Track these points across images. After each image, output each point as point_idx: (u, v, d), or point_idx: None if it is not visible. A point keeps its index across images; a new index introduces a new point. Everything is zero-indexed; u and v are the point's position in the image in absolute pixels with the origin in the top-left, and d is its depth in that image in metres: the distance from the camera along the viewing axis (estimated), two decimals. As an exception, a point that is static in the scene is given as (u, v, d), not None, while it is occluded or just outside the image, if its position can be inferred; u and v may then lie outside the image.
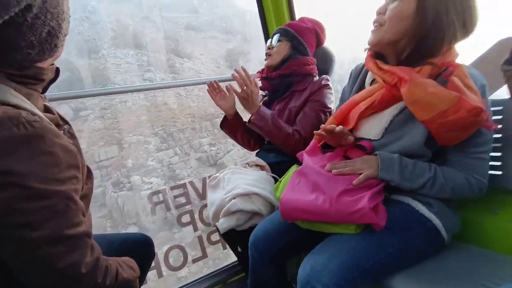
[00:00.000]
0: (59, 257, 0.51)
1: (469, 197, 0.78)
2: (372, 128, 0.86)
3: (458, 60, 0.79)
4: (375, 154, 0.81)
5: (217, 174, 1.21)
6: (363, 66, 0.97)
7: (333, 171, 0.79)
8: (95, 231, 0.66)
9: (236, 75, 1.16)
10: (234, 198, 1.01)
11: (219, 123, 1.38)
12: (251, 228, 0.99)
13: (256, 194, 1.02)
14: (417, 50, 0.79)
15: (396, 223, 0.75)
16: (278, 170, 1.21)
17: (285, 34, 1.30)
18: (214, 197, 1.12)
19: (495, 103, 0.88)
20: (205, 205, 1.46)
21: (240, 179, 1.09)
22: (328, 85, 1.26)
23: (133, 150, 12.28)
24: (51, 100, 1.07)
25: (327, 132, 0.83)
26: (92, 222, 0.72)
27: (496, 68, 0.81)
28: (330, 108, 1.23)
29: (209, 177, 1.50)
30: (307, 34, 1.33)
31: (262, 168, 1.21)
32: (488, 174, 0.78)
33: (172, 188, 1.53)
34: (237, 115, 1.33)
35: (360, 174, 0.76)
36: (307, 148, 0.95)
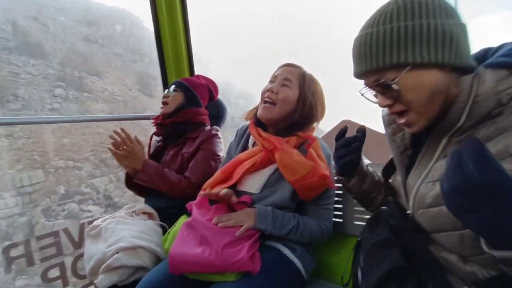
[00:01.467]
0: None
1: (320, 240, 1.00)
2: (253, 184, 1.03)
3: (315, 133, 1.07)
4: (254, 207, 0.96)
5: (99, 222, 1.13)
6: (247, 128, 1.15)
7: (219, 224, 0.90)
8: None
9: (116, 136, 1.16)
10: (118, 253, 0.96)
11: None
12: (135, 282, 0.95)
13: (142, 247, 1.00)
14: (292, 126, 1.03)
15: (268, 267, 0.89)
16: (168, 215, 1.23)
17: (180, 86, 1.40)
18: (93, 250, 1.03)
19: None
20: (81, 255, 1.32)
21: (125, 230, 1.04)
22: (217, 134, 1.38)
23: (62, 175, 10.68)
24: None
25: (213, 195, 0.96)
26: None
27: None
28: (220, 156, 1.34)
29: (88, 223, 1.37)
30: (201, 89, 1.46)
31: (150, 216, 1.19)
32: (332, 221, 1.03)
33: (39, 238, 1.33)
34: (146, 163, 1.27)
35: (242, 226, 0.90)
36: (196, 201, 1.02)
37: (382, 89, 0.57)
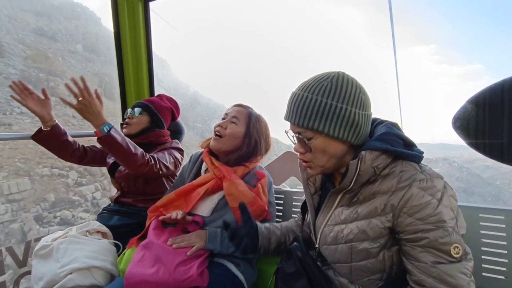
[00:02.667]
0: None
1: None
2: (205, 208, 1.16)
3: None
4: (205, 229, 1.08)
5: (49, 241, 1.12)
6: (201, 154, 1.29)
7: (173, 245, 1.00)
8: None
9: (72, 85, 1.07)
10: (71, 273, 0.98)
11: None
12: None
13: (96, 267, 1.03)
14: (240, 158, 1.18)
15: (215, 282, 1.00)
16: (122, 233, 1.28)
17: (147, 109, 1.46)
18: (43, 270, 1.04)
19: (279, 191, 1.37)
20: (25, 274, 1.31)
21: (78, 250, 1.06)
22: (178, 146, 1.47)
23: (48, 183, 10.37)
24: None
25: (168, 219, 1.06)
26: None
27: (287, 166, 1.31)
28: (180, 160, 1.41)
29: (35, 240, 1.34)
30: (165, 112, 1.52)
31: (104, 235, 1.22)
32: None
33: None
34: (56, 126, 1.26)
35: (193, 246, 1.01)
36: (152, 224, 1.11)
37: (300, 141, 0.74)
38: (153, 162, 1.22)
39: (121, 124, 1.61)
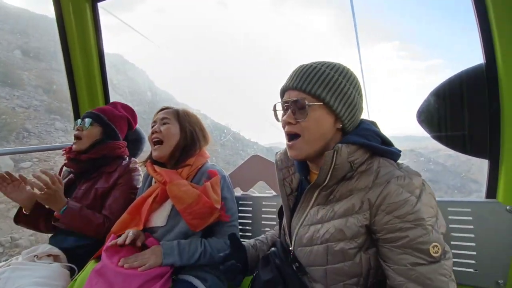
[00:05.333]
0: None
1: None
2: (158, 218, 1.09)
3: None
4: (160, 243, 1.00)
5: None
6: None
7: (125, 265, 0.90)
8: None
9: (34, 180, 1.08)
10: None
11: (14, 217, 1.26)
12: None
13: None
14: (182, 156, 1.14)
15: None
16: (77, 255, 1.16)
17: (98, 119, 1.32)
18: None
19: (248, 198, 1.31)
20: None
21: (25, 277, 0.95)
22: (136, 168, 1.35)
23: None
24: None
25: (121, 243, 0.97)
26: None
27: (255, 171, 1.25)
28: (138, 170, 1.34)
29: None
30: (120, 122, 1.40)
31: (55, 258, 1.10)
32: (239, 235, 1.13)
33: None
34: (36, 207, 1.22)
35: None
36: (105, 246, 1.01)
37: (295, 107, 0.70)
38: (108, 223, 1.19)
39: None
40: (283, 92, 0.75)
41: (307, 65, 0.71)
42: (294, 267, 0.77)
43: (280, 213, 0.93)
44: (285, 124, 0.73)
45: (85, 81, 1.63)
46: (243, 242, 0.93)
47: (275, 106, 0.75)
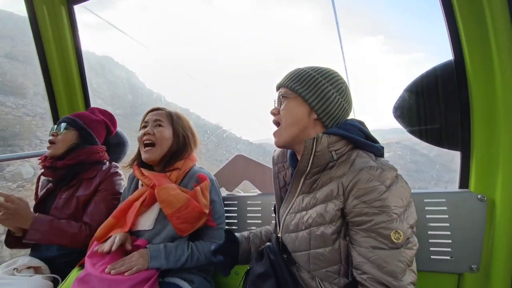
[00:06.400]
0: None
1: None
2: (146, 221, 1.08)
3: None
4: (147, 247, 0.99)
5: None
6: None
7: (112, 271, 0.89)
8: None
9: None
10: None
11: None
12: None
13: None
14: (172, 159, 1.13)
15: None
16: (61, 264, 1.14)
17: (73, 124, 1.30)
18: None
19: (233, 197, 1.33)
20: None
21: None
22: (117, 172, 1.33)
23: None
24: None
25: (107, 250, 0.96)
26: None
27: (239, 170, 1.26)
28: (120, 175, 1.32)
29: None
30: (97, 126, 1.37)
31: (37, 270, 1.08)
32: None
33: None
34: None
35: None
36: (88, 252, 0.99)
37: (281, 99, 0.81)
38: (88, 230, 1.17)
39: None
40: (277, 88, 0.85)
41: (300, 68, 0.81)
42: (283, 258, 0.80)
43: (275, 208, 0.95)
44: (272, 115, 0.83)
45: (64, 86, 1.59)
46: (236, 234, 0.98)
47: (274, 101, 0.85)
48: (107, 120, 1.44)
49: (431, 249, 1.00)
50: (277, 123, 0.82)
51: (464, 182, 1.05)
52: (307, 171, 0.74)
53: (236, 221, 1.29)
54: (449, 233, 0.99)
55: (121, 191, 1.29)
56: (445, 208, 1.01)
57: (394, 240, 0.62)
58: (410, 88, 1.12)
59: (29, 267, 1.07)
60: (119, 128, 1.57)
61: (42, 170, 1.28)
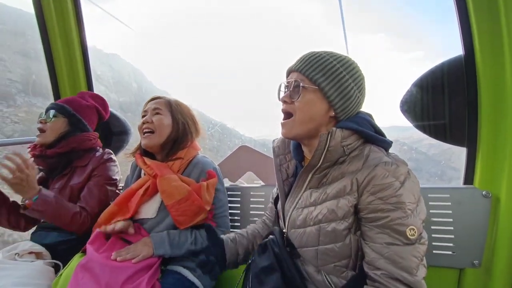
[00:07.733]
0: None
1: None
2: (149, 209, 1.08)
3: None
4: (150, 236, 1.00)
5: None
6: None
7: (118, 258, 0.90)
8: None
9: (7, 162, 0.99)
10: None
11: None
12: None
13: None
14: (173, 147, 1.13)
15: None
16: (61, 251, 1.14)
17: (61, 110, 1.25)
18: None
19: (236, 188, 1.32)
20: None
21: (5, 277, 0.91)
22: (111, 158, 1.29)
23: None
24: None
25: (109, 231, 0.97)
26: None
27: (243, 161, 1.26)
28: (116, 180, 1.26)
29: None
30: (87, 112, 1.32)
31: (38, 255, 1.07)
32: (230, 225, 1.15)
33: None
34: None
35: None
36: (90, 238, 0.99)
37: (293, 87, 0.74)
38: (85, 214, 1.14)
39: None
40: (288, 73, 0.79)
41: (315, 51, 0.75)
42: (288, 249, 0.79)
43: (276, 200, 0.94)
44: (282, 102, 0.77)
45: (67, 71, 1.57)
46: (222, 236, 0.95)
47: (280, 85, 0.79)
48: (98, 105, 1.40)
49: (433, 243, 1.01)
50: (287, 113, 0.75)
51: (469, 178, 1.05)
52: (317, 167, 0.72)
53: (239, 211, 1.29)
54: (452, 228, 1.00)
55: (115, 177, 1.26)
56: (449, 203, 1.01)
57: (409, 236, 0.61)
58: (418, 83, 1.11)
59: (30, 252, 1.07)
60: (122, 116, 1.55)
61: (32, 159, 1.23)
